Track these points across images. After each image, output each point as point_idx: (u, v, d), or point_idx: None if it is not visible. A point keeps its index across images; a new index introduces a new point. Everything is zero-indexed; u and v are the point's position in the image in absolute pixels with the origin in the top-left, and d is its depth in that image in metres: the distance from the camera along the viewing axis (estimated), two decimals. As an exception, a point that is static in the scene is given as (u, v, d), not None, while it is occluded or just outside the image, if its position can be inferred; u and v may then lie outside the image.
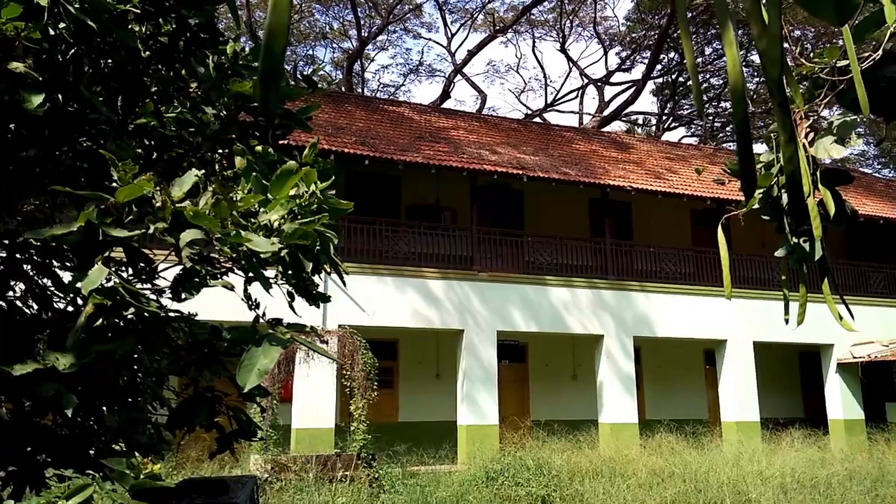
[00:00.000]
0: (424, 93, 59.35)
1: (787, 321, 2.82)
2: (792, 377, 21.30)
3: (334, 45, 32.85)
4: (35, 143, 2.87)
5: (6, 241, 3.20)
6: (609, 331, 16.20)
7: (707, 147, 25.34)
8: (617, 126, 32.87)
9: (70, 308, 3.10)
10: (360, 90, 32.26)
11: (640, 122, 35.77)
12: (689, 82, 32.22)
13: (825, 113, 2.61)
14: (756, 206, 2.42)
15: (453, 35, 32.35)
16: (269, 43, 0.78)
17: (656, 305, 16.75)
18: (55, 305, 3.22)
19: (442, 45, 33.81)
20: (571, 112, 35.31)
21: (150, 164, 3.32)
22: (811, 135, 2.49)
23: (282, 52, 0.79)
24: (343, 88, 29.34)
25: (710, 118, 32.00)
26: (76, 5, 2.38)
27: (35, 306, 3.26)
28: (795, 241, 2.52)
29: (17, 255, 3.19)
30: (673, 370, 19.38)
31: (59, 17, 2.43)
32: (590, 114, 32.19)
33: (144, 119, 3.28)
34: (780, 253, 2.54)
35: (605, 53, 32.30)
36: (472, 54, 29.15)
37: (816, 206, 2.35)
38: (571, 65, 32.18)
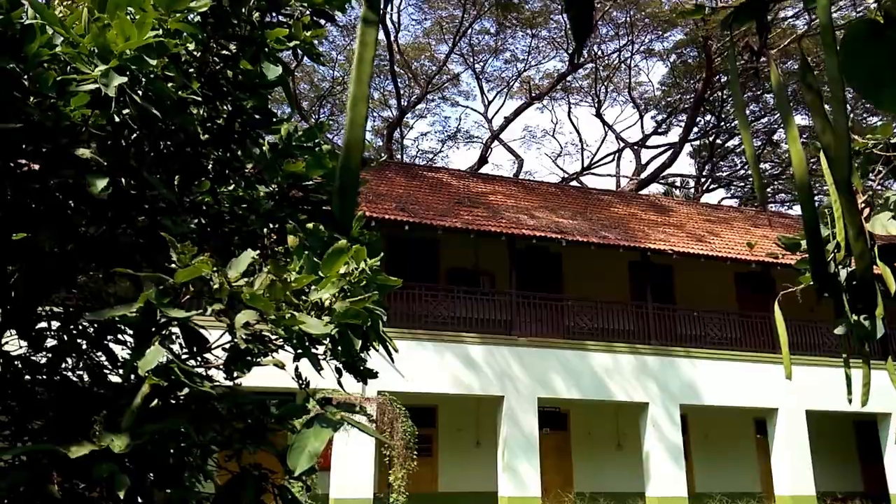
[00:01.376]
0: (462, 158, 60.40)
1: (850, 400, 2.70)
2: (848, 448, 20.28)
3: (375, 114, 33.86)
4: (96, 222, 2.99)
5: (62, 316, 3.30)
6: (654, 398, 15.74)
7: (748, 209, 25.04)
8: (655, 188, 32.81)
9: (121, 381, 3.15)
10: (399, 157, 32.98)
11: (678, 184, 35.64)
12: (727, 144, 32.19)
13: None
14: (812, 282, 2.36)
15: (490, 102, 33.10)
16: (346, 159, 0.80)
17: (703, 372, 16.27)
18: (108, 379, 3.27)
19: (479, 112, 34.53)
20: (608, 175, 35.45)
21: (205, 238, 3.42)
22: (867, 210, 2.45)
23: (358, 167, 0.82)
24: (383, 155, 30.04)
25: (753, 180, 31.69)
26: (141, 93, 2.51)
27: (87, 378, 3.32)
28: (855, 318, 2.44)
29: (73, 330, 3.27)
30: (722, 440, 18.64)
31: (124, 104, 2.56)
32: (627, 177, 32.25)
33: (200, 196, 3.39)
34: (839, 331, 2.47)
35: (641, 117, 32.57)
36: (508, 121, 29.69)
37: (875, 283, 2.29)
38: (607, 129, 32.49)
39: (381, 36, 27.83)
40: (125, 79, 2.31)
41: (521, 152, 38.68)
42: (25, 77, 2.59)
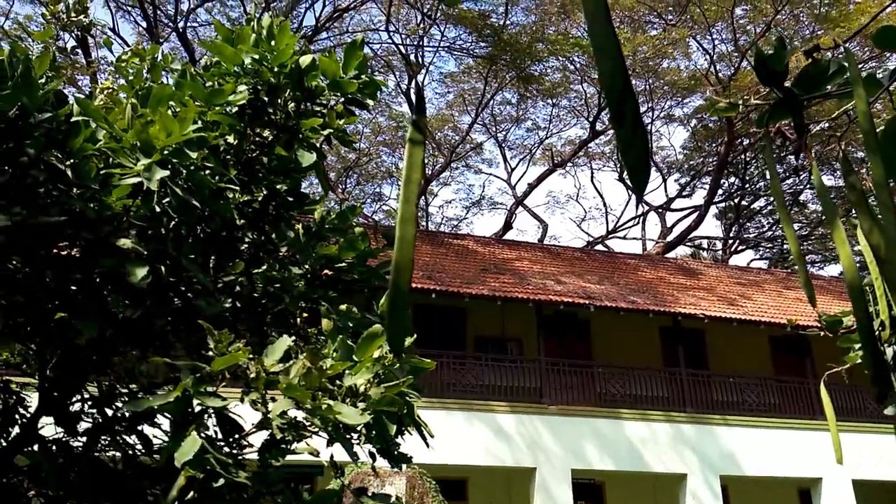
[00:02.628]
0: (487, 224, 60.77)
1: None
2: (902, 520, 19.21)
3: (400, 183, 34.45)
4: (133, 305, 3.03)
5: (97, 398, 3.31)
6: (692, 469, 15.17)
7: (779, 271, 24.67)
8: (681, 251, 32.57)
9: (154, 465, 3.12)
10: (425, 224, 33.31)
11: (706, 246, 35.35)
12: (753, 206, 32.02)
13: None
14: (858, 361, 2.30)
15: (513, 169, 33.48)
16: (395, 279, 0.81)
17: (741, 440, 15.70)
18: (139, 460, 3.25)
19: (503, 179, 34.98)
20: (634, 239, 35.30)
21: (238, 318, 3.45)
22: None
23: (408, 287, 0.82)
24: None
25: (781, 240, 31.39)
26: (181, 184, 2.59)
27: (121, 462, 3.30)
28: (906, 396, 2.36)
29: (109, 413, 3.28)
30: (765, 512, 17.81)
31: (165, 195, 2.64)
32: (653, 240, 32.10)
33: (234, 277, 3.44)
34: (889, 411, 2.38)
35: (665, 181, 32.66)
36: (532, 187, 29.97)
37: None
38: (630, 192, 32.58)
39: (406, 108, 28.61)
40: (167, 172, 2.39)
41: (545, 217, 38.86)
42: (70, 169, 2.69)
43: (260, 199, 3.45)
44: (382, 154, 31.80)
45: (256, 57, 3.01)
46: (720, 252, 34.24)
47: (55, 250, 2.65)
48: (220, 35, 3.30)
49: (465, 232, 31.08)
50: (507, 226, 30.49)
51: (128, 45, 24.52)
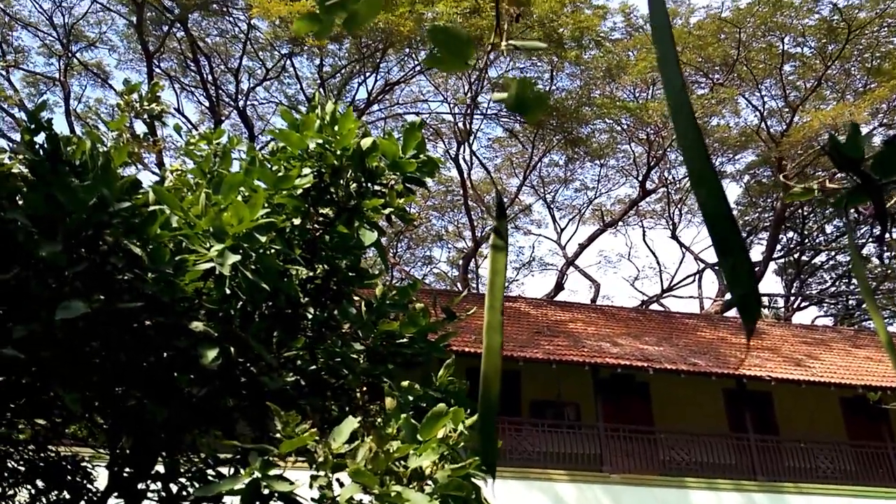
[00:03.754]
0: (538, 284, 60.37)
1: None
2: None
3: (450, 246, 34.69)
4: (200, 383, 3.09)
5: (163, 475, 3.35)
6: (766, 542, 14.29)
7: (846, 329, 23.62)
8: (741, 309, 31.51)
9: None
10: (475, 287, 33.30)
11: (767, 303, 34.22)
12: (814, 261, 31.01)
13: None
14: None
15: (563, 229, 33.39)
16: (485, 392, 0.81)
17: (818, 511, 14.76)
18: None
19: (552, 240, 34.89)
20: (690, 297, 34.47)
21: (301, 394, 3.47)
22: None
23: (497, 398, 0.82)
24: (459, 286, 30.43)
25: (845, 297, 30.19)
26: (251, 267, 2.68)
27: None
28: None
29: (174, 490, 3.30)
30: (850, 590, 16.53)
31: (233, 277, 2.73)
32: (710, 298, 31.27)
33: (297, 353, 3.49)
34: None
35: (720, 237, 31.96)
36: (583, 247, 29.76)
37: None
38: (685, 250, 32.03)
39: (454, 173, 29.07)
40: (238, 257, 2.47)
41: (597, 277, 38.38)
42: (145, 254, 2.81)
43: (322, 275, 3.53)
44: (432, 218, 32.23)
45: (321, 142, 3.14)
46: (782, 310, 33.07)
47: (130, 332, 2.75)
48: (286, 121, 3.45)
49: (517, 294, 30.89)
50: (559, 286, 30.21)
51: (191, 123, 25.81)
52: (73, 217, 2.60)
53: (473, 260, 33.05)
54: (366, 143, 3.29)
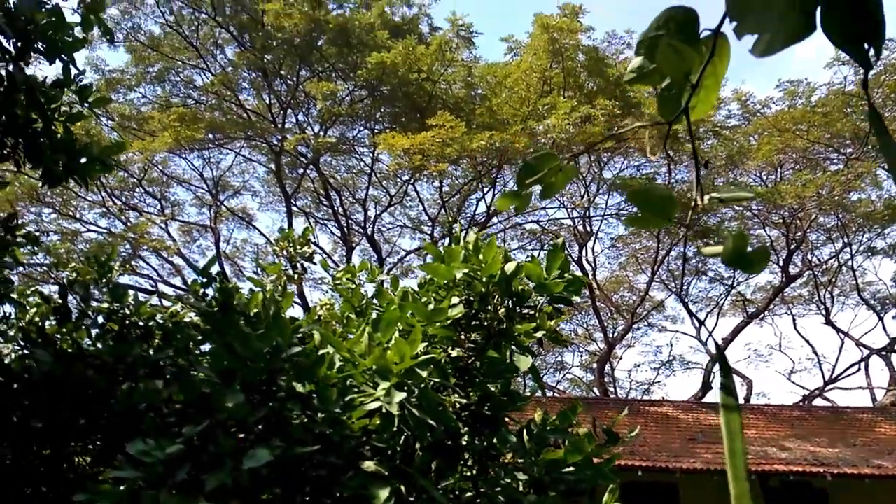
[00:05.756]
0: (682, 385, 56.87)
1: None
2: None
3: (581, 349, 33.75)
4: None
5: None
6: None
7: None
8: (923, 397, 27.96)
9: None
10: (613, 391, 31.94)
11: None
12: None
13: None
14: None
15: (701, 324, 31.67)
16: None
17: None
18: None
19: (692, 336, 33.14)
20: (859, 388, 31.06)
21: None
22: None
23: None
24: (597, 391, 29.27)
25: None
26: (415, 402, 2.73)
27: None
28: None
29: None
30: None
31: (400, 415, 2.78)
32: (882, 388, 28.05)
33: (458, 483, 3.44)
34: None
35: (881, 318, 29.05)
36: (727, 342, 27.97)
37: None
38: (843, 336, 29.25)
39: (579, 272, 28.73)
40: (404, 394, 2.54)
41: (748, 373, 35.62)
42: (315, 396, 2.94)
43: (475, 401, 3.53)
44: (561, 322, 31.70)
45: (467, 271, 3.24)
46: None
47: (307, 476, 2.84)
48: (431, 254, 3.61)
49: (658, 396, 29.26)
50: (706, 386, 28.27)
51: (325, 252, 27.50)
52: (252, 366, 2.79)
53: (608, 363, 31.88)
54: (510, 267, 3.36)
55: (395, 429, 2.76)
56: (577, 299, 3.56)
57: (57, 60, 4.07)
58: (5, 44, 4.02)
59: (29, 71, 4.11)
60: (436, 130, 17.24)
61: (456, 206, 25.30)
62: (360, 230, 25.58)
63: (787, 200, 20.81)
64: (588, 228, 27.48)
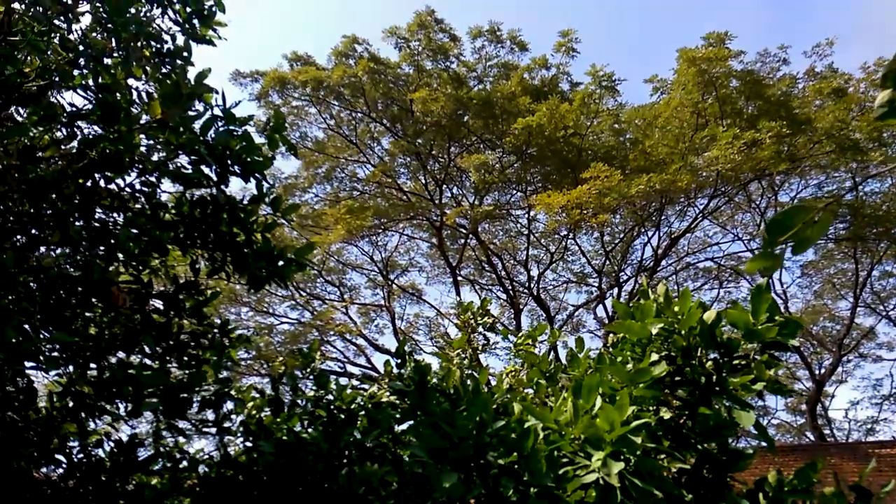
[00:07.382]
0: (909, 419, 49.43)
1: None
2: None
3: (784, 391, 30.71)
4: None
5: None
6: None
7: None
8: None
9: None
10: (830, 434, 28.60)
11: None
12: None
13: None
14: None
15: (925, 348, 27.76)
16: None
17: None
18: None
19: (915, 363, 29.07)
20: None
21: None
22: None
23: None
24: (811, 436, 26.36)
25: None
26: (632, 470, 2.60)
27: None
28: None
29: None
30: None
31: (622, 488, 2.66)
32: None
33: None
34: None
35: None
36: (962, 366, 24.20)
37: None
38: None
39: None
40: (622, 464, 2.42)
41: None
42: (526, 471, 2.89)
43: (692, 464, 3.29)
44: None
45: (663, 326, 3.09)
46: None
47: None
48: (618, 311, 3.49)
49: (888, 436, 25.68)
50: (946, 420, 24.48)
51: (494, 317, 27.69)
52: (461, 444, 2.81)
53: (819, 403, 28.69)
54: (709, 316, 3.16)
55: (618, 501, 2.63)
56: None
57: (251, 179, 4.55)
58: (207, 171, 4.57)
59: (227, 191, 4.62)
60: (591, 182, 17.05)
61: (620, 254, 24.60)
62: (526, 291, 25.59)
63: None
64: (770, 258, 25.43)
